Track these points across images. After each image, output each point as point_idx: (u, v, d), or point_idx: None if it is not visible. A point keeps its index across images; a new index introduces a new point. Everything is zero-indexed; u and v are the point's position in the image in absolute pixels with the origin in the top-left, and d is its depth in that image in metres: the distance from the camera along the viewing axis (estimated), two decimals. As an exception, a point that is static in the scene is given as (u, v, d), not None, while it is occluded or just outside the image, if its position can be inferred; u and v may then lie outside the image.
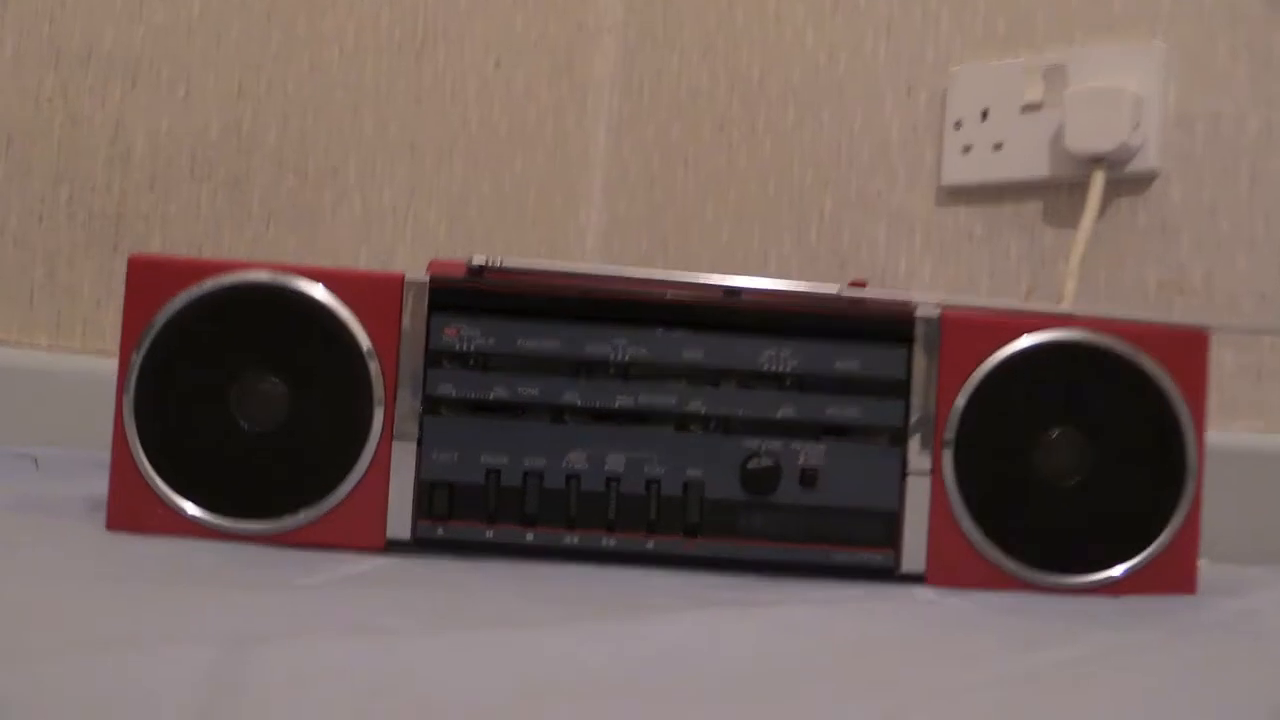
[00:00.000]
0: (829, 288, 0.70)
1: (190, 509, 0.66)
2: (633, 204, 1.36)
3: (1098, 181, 1.00)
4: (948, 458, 0.68)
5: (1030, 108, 1.05)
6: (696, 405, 0.68)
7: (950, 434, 0.68)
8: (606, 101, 1.39)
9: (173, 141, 1.11)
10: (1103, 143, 0.98)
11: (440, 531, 0.68)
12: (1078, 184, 1.02)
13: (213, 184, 1.12)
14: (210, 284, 0.67)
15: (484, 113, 1.32)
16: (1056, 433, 0.68)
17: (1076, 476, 0.68)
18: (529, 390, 0.68)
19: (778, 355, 0.68)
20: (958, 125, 1.10)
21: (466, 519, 0.68)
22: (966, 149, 1.10)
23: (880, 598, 0.62)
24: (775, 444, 0.68)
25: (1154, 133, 0.99)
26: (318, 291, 0.67)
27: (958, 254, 1.12)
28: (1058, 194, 1.05)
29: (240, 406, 0.67)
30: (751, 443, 0.68)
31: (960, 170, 1.10)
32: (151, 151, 1.09)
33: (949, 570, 0.68)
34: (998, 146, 1.07)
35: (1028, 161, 1.05)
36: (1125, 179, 0.99)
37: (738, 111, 1.27)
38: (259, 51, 1.13)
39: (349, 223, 1.19)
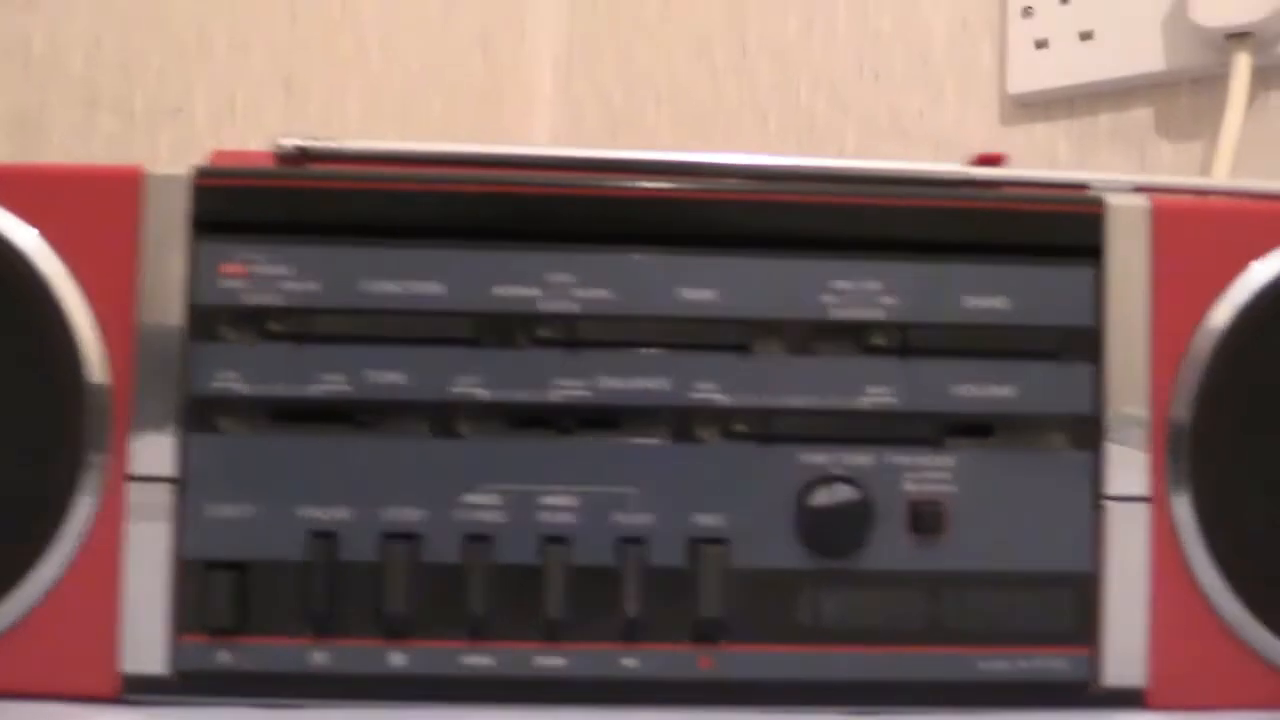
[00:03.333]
0: (944, 167, 0.38)
1: None
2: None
3: (1242, 67, 0.74)
4: (1179, 469, 0.37)
5: (1131, -25, 0.81)
6: (709, 391, 0.36)
7: (1183, 423, 0.37)
8: (551, 23, 1.13)
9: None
10: (1245, 11, 0.74)
11: (225, 657, 0.35)
12: (1207, 77, 0.77)
13: (-15, 125, 0.82)
14: None
15: (387, 38, 1.02)
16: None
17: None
18: (387, 377, 0.36)
19: (860, 290, 0.37)
20: (1027, 12, 0.86)
21: (273, 631, 0.36)
22: (1041, 44, 0.86)
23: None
24: (861, 458, 0.37)
25: (1315, -5, 0.74)
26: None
27: (1037, 187, 0.87)
28: (1177, 93, 0.80)
29: None
30: (816, 457, 0.37)
31: (1034, 73, 0.86)
32: None
33: (1191, 680, 0.37)
34: (1086, 36, 0.83)
35: (1132, 51, 0.81)
36: (1278, 63, 0.74)
37: (720, 26, 1.03)
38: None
39: (193, 178, 0.88)
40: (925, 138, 0.90)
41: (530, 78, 1.13)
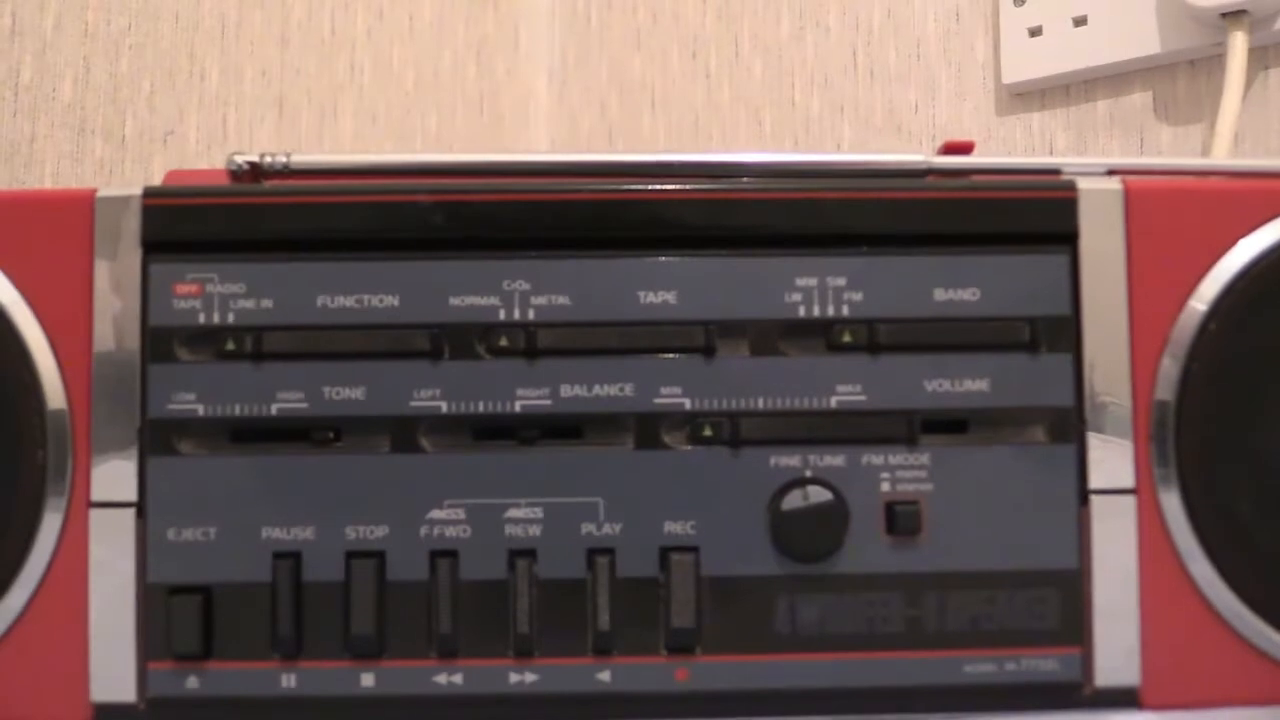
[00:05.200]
0: (908, 157, 0.37)
1: None
2: (587, 162, 1.08)
3: (1238, 47, 0.72)
4: (1165, 458, 0.36)
5: (1123, -42, 0.78)
6: (674, 396, 0.35)
7: (1166, 410, 0.36)
8: (545, 36, 1.12)
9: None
10: (1240, -11, 0.71)
11: (194, 683, 0.35)
12: (1204, 58, 0.76)
13: (-25, 156, 0.81)
14: None
15: (380, 56, 1.01)
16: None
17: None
18: (345, 393, 0.35)
19: (824, 286, 0.36)
20: (1019, 0, 0.83)
21: (241, 655, 0.35)
22: (1035, 32, 0.84)
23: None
24: (833, 458, 0.36)
25: (1311, -29, 0.72)
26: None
27: (1036, 177, 0.84)
28: (1174, 77, 0.79)
29: None
30: (787, 459, 0.36)
31: (1028, 62, 0.85)
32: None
33: (1186, 677, 0.36)
34: (1080, 21, 0.81)
35: (1127, 35, 0.79)
36: (1276, 41, 0.72)
37: (714, 30, 1.02)
38: (34, -29, 0.82)
39: (186, 201, 0.87)
40: (924, 132, 0.88)
41: (525, 90, 1.12)
